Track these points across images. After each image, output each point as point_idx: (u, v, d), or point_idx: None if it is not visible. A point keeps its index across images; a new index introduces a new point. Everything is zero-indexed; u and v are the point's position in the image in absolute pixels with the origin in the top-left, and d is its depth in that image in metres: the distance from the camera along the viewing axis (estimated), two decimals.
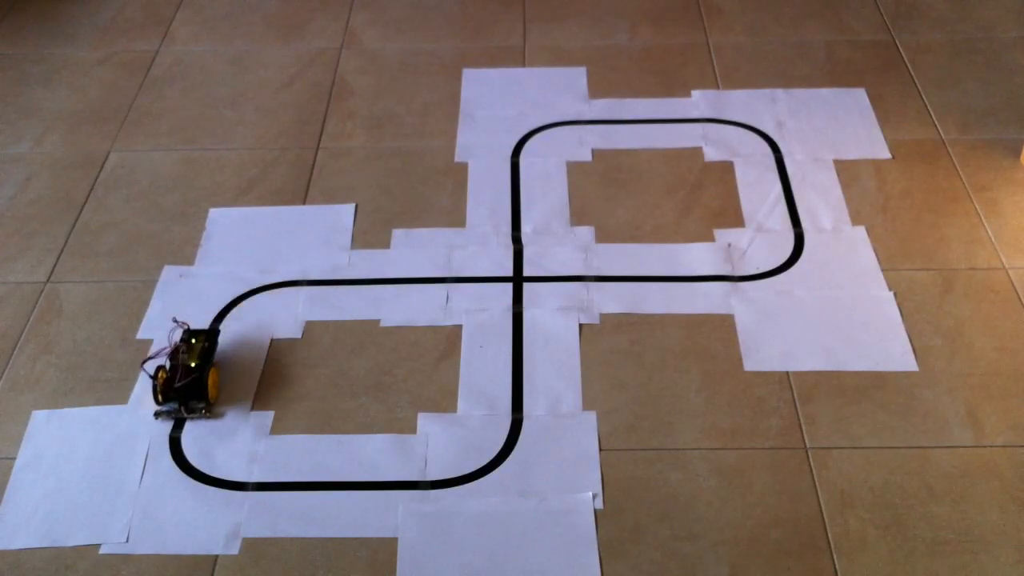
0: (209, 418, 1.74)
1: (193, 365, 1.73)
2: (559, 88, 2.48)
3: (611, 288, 1.96)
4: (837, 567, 1.52)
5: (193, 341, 1.77)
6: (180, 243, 2.09)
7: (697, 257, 2.02)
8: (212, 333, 1.81)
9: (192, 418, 1.73)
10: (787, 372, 1.80)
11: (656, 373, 1.80)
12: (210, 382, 1.73)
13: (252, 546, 1.57)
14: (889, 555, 1.53)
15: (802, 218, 2.10)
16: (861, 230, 2.07)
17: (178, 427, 1.73)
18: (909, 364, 1.80)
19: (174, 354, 1.75)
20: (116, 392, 1.80)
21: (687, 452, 1.68)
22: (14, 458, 1.70)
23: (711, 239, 2.06)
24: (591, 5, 2.78)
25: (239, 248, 2.07)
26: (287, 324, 1.91)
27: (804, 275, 1.97)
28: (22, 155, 2.33)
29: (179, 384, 1.71)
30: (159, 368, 1.74)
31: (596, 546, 1.55)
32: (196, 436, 1.72)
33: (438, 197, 2.18)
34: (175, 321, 1.82)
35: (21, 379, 1.83)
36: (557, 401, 1.75)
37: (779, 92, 2.45)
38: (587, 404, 1.75)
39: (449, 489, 1.63)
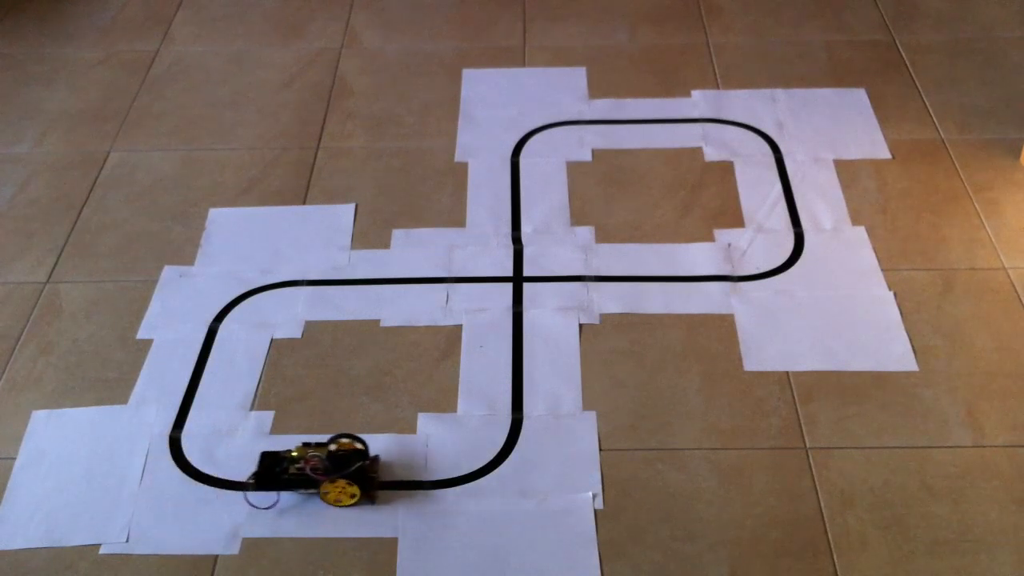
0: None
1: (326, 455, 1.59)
2: (559, 88, 2.48)
3: (611, 288, 1.96)
4: (837, 567, 1.52)
5: (294, 455, 1.60)
6: (180, 243, 2.09)
7: (697, 257, 2.02)
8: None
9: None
10: (787, 372, 1.80)
11: (656, 373, 1.80)
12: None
13: (252, 546, 1.57)
14: (889, 555, 1.53)
15: (802, 218, 2.10)
16: (861, 230, 2.07)
17: (178, 427, 1.73)
18: (909, 364, 1.80)
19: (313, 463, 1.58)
20: (116, 392, 1.80)
21: (687, 452, 1.68)
22: (14, 458, 1.70)
23: (711, 239, 2.06)
24: (591, 5, 2.78)
25: (239, 248, 2.07)
26: (287, 324, 1.91)
27: (804, 275, 1.97)
28: (22, 155, 2.33)
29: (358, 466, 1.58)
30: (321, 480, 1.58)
31: (596, 546, 1.55)
32: (196, 436, 1.72)
33: (438, 197, 2.18)
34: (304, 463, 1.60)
35: (21, 379, 1.83)
36: (557, 401, 1.75)
37: (779, 92, 2.45)
38: (587, 404, 1.75)
39: (449, 489, 1.63)
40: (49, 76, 2.58)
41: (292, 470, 1.59)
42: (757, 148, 2.28)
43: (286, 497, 1.62)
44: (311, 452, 1.59)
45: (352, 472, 1.57)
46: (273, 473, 1.60)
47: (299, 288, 1.98)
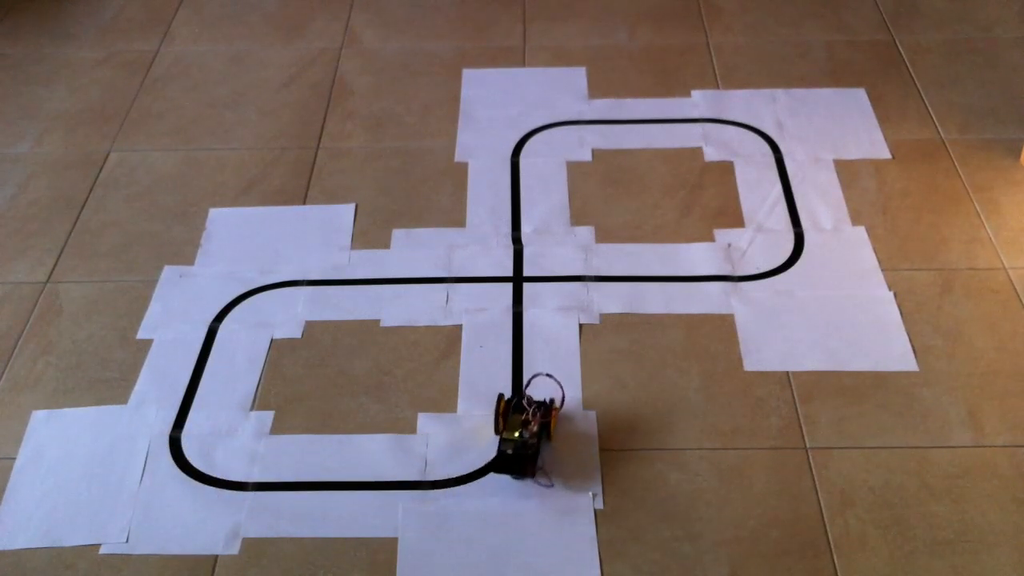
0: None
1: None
2: (559, 88, 2.48)
3: (611, 288, 1.96)
4: (837, 567, 1.52)
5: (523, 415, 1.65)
6: (180, 243, 2.09)
7: (697, 257, 2.02)
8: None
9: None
10: (787, 372, 1.80)
11: (656, 373, 1.80)
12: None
13: (252, 546, 1.57)
14: (889, 555, 1.53)
15: (802, 218, 2.10)
16: (861, 230, 2.07)
17: (178, 427, 1.73)
18: (909, 364, 1.80)
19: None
20: (116, 392, 1.80)
21: (687, 452, 1.68)
22: (14, 458, 1.70)
23: (711, 239, 2.06)
24: (591, 5, 2.78)
25: (239, 248, 2.07)
26: (287, 324, 1.91)
27: (804, 275, 1.97)
28: (22, 155, 2.33)
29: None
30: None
31: (596, 546, 1.55)
32: (196, 436, 1.72)
33: (438, 197, 2.18)
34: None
35: (21, 379, 1.83)
36: (557, 401, 1.75)
37: (779, 92, 2.45)
38: (587, 404, 1.75)
39: (449, 489, 1.63)
40: (49, 76, 2.58)
41: (532, 436, 1.61)
42: (757, 148, 2.28)
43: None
44: (523, 418, 1.63)
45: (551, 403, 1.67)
46: (527, 451, 1.60)
47: (299, 288, 1.98)
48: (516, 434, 1.62)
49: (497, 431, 1.65)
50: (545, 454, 1.66)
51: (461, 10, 2.77)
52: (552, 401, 1.68)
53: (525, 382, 1.75)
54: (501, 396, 1.67)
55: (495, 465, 1.63)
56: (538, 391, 1.70)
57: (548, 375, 1.72)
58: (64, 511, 1.62)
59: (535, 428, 1.62)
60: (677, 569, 1.52)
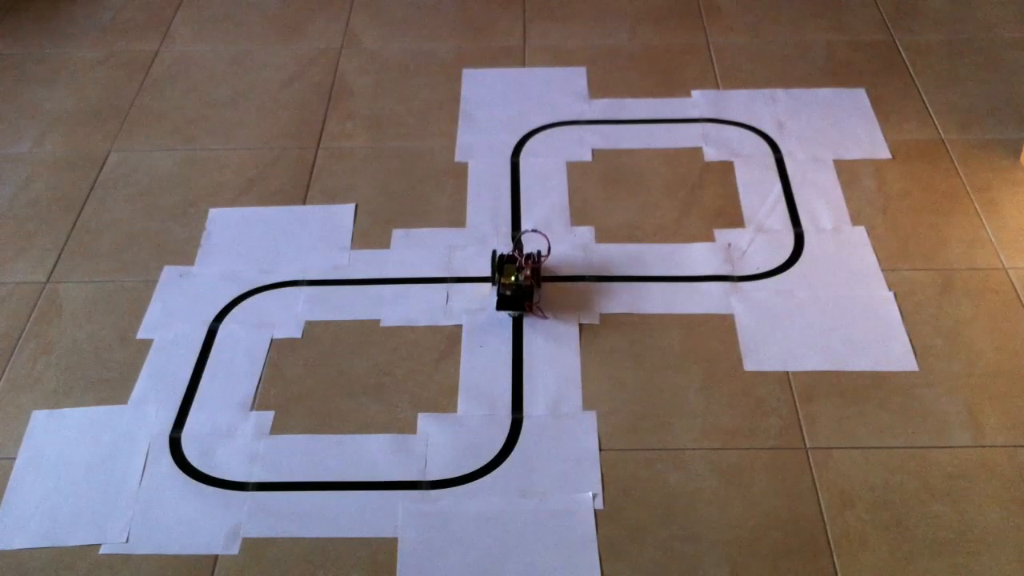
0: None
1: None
2: (559, 88, 2.48)
3: (611, 288, 1.96)
4: (837, 567, 1.52)
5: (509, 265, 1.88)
6: (180, 243, 2.09)
7: (697, 257, 2.02)
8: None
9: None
10: (787, 372, 1.80)
11: (656, 373, 1.80)
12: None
13: (252, 546, 1.57)
14: (889, 555, 1.53)
15: (802, 218, 2.10)
16: (861, 230, 2.07)
17: (178, 427, 1.73)
18: (909, 364, 1.80)
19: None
20: (116, 392, 1.80)
21: (687, 452, 1.68)
22: (14, 458, 1.70)
23: (711, 239, 2.06)
24: (591, 5, 2.78)
25: (239, 248, 2.07)
26: (287, 324, 1.91)
27: (804, 275, 1.97)
28: (22, 155, 2.33)
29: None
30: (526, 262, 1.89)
31: (596, 546, 1.55)
32: (196, 436, 1.72)
33: (438, 197, 2.18)
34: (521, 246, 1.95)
35: (21, 379, 1.83)
36: (557, 401, 1.75)
37: (779, 92, 2.45)
38: (587, 404, 1.75)
39: (449, 489, 1.63)
40: (49, 76, 2.58)
41: (527, 279, 1.86)
42: (757, 148, 2.28)
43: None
44: (516, 266, 1.86)
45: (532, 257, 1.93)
46: (522, 292, 1.85)
47: (299, 288, 1.98)
48: (512, 279, 1.85)
49: (495, 282, 1.88)
50: (537, 297, 1.89)
51: (461, 10, 2.78)
52: (539, 252, 1.92)
53: (514, 240, 2.02)
54: (495, 252, 1.91)
55: (498, 305, 1.87)
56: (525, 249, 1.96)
57: (534, 230, 2.00)
58: (64, 511, 1.62)
59: (528, 272, 1.86)
60: (677, 569, 1.52)
